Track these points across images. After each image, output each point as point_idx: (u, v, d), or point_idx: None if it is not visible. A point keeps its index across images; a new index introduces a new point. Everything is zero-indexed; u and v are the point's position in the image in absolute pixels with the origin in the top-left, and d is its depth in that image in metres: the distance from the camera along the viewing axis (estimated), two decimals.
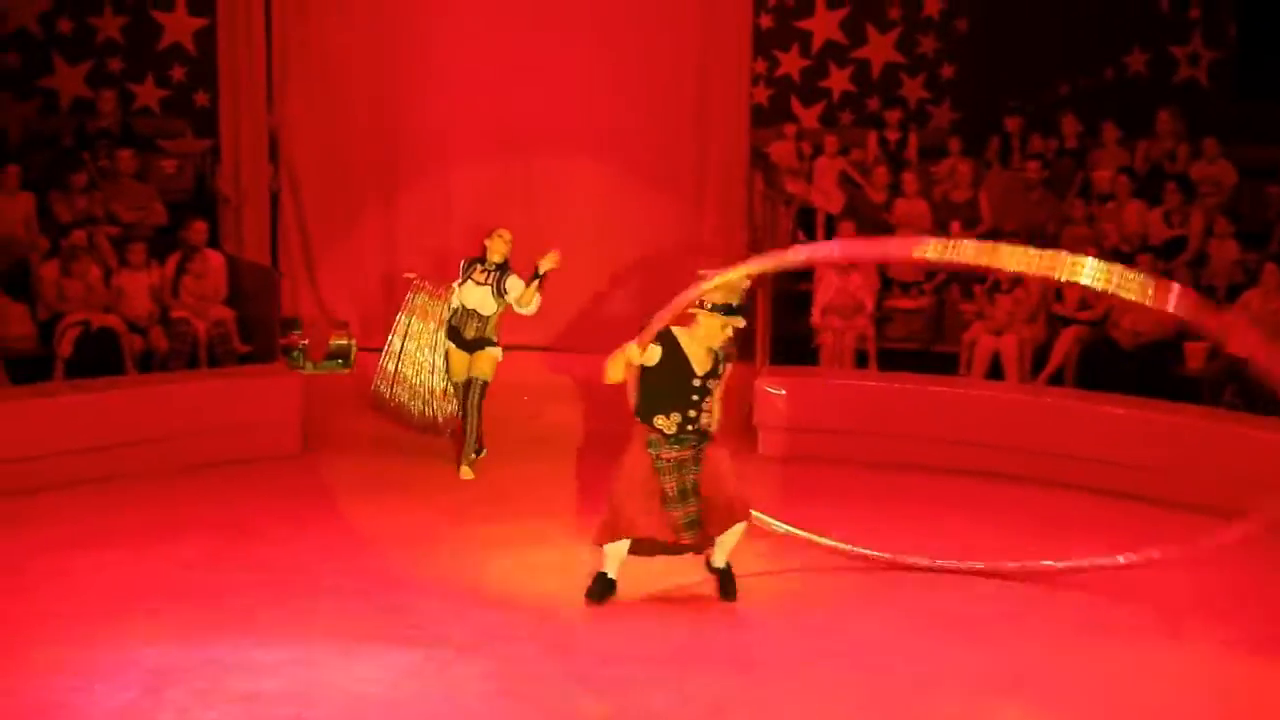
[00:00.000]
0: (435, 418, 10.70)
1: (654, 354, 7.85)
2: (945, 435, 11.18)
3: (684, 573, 8.43)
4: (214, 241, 12.74)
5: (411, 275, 10.76)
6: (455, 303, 10.55)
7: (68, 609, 7.93)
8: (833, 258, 8.28)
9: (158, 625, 7.74)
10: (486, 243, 10.47)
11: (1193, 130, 13.53)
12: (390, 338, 10.70)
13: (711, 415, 7.99)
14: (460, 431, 10.66)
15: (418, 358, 10.61)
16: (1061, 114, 14.08)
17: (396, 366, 10.65)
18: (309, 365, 12.61)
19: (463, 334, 10.55)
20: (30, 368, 11.42)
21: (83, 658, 7.27)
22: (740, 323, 7.86)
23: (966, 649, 7.68)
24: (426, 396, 10.63)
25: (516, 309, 10.48)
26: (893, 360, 12.68)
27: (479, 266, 10.52)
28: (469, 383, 10.57)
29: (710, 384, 7.91)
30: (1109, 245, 12.61)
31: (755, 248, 13.62)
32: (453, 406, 10.61)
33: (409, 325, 10.64)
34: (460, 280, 10.56)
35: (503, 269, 10.46)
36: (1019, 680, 7.29)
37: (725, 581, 8.18)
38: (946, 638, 7.83)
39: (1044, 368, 12.10)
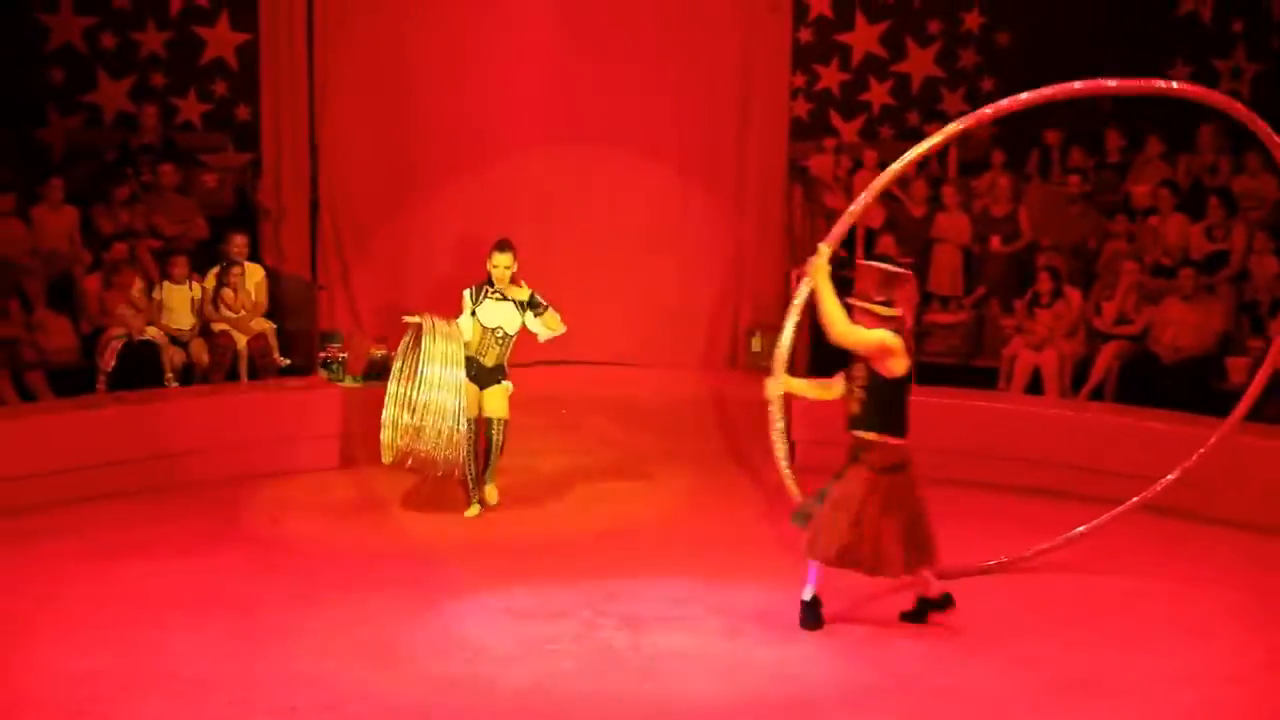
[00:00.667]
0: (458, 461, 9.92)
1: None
2: (985, 450, 11.15)
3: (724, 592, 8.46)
4: (254, 255, 12.80)
5: (414, 318, 9.93)
6: (469, 334, 9.96)
7: (106, 619, 7.97)
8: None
9: (196, 636, 7.77)
10: (490, 268, 9.96)
11: (1235, 144, 13.45)
12: (413, 391, 9.78)
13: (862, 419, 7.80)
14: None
15: (441, 403, 9.69)
16: (1104, 128, 14.02)
17: (422, 418, 9.70)
18: (348, 379, 12.60)
19: (483, 362, 10.02)
20: (73, 380, 11.49)
21: (121, 667, 7.30)
22: (877, 310, 7.70)
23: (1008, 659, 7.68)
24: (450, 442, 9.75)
25: (542, 330, 10.08)
26: (932, 374, 12.61)
27: (489, 288, 9.99)
28: (485, 421, 10.10)
29: (853, 383, 7.82)
30: (1150, 259, 12.56)
31: (794, 260, 13.62)
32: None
33: (437, 373, 9.69)
34: (473, 306, 10.02)
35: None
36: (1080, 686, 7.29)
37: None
38: (989, 648, 7.85)
39: (1085, 383, 12.06)
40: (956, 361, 13.00)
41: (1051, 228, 13.24)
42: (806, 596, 7.97)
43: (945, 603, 8.00)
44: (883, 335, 7.64)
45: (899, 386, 7.73)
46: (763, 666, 7.54)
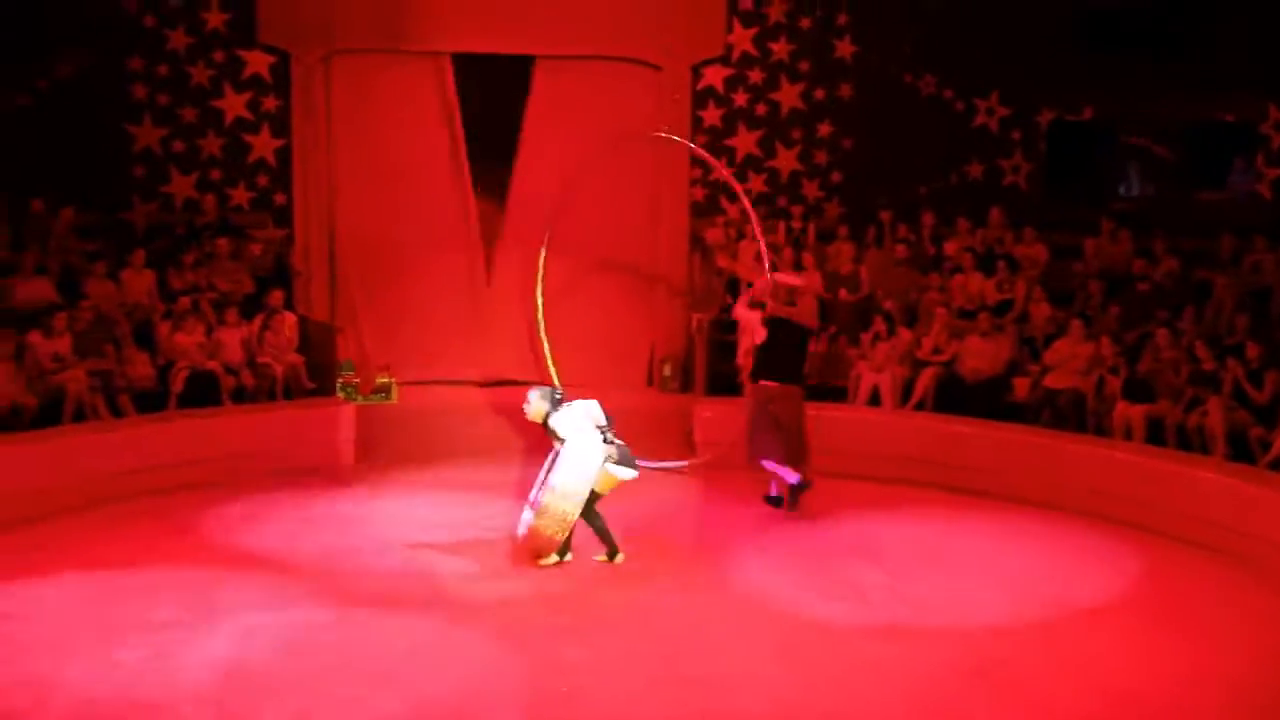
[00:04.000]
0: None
1: None
2: (838, 447, 11.25)
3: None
4: (289, 305, 12.82)
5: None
6: None
7: (178, 577, 8.04)
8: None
9: (247, 583, 7.84)
10: None
11: (1016, 221, 13.77)
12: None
13: None
14: None
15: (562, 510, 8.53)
16: (921, 209, 14.27)
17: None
18: (359, 398, 12.67)
19: None
20: (151, 401, 11.48)
21: (193, 616, 7.41)
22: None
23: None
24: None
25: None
26: None
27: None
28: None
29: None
30: (956, 305, 12.75)
31: (694, 307, 13.81)
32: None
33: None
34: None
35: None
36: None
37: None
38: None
39: (910, 397, 12.22)
40: (817, 382, 13.07)
41: (884, 282, 13.43)
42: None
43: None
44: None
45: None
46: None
